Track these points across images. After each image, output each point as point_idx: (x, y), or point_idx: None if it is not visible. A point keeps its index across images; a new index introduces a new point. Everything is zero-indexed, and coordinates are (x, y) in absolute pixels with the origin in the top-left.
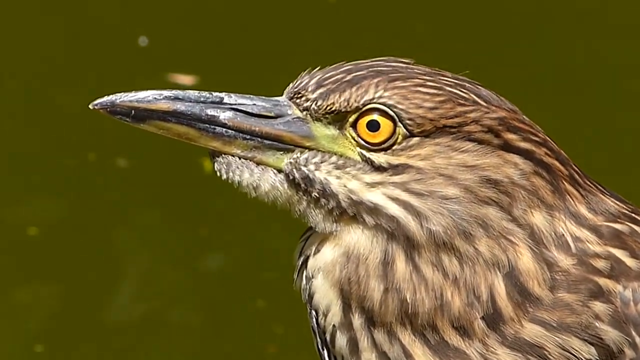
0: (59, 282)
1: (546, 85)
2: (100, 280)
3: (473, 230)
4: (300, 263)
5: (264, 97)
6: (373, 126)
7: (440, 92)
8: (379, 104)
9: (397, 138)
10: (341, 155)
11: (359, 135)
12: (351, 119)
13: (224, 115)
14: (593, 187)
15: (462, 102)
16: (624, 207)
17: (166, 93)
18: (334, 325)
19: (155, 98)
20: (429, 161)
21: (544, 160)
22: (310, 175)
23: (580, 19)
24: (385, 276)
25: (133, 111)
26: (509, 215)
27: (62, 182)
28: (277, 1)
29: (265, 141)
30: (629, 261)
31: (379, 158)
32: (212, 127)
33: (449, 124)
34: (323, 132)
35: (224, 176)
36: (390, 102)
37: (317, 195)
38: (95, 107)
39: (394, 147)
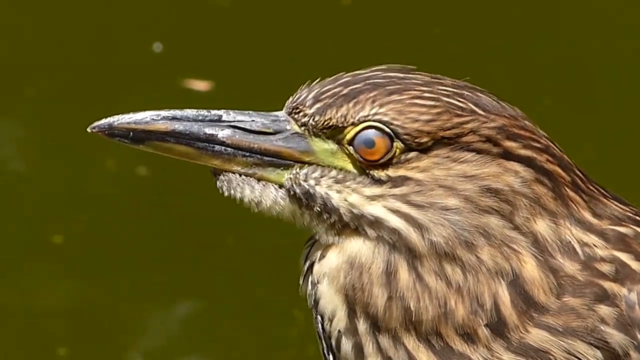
0: (83, 284)
1: (562, 82)
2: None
3: (475, 240)
4: (305, 268)
5: (262, 113)
6: (369, 144)
7: (437, 103)
8: (375, 121)
9: (395, 152)
10: (341, 169)
11: (356, 152)
12: (348, 136)
13: (223, 134)
14: (595, 191)
15: (459, 112)
16: (628, 209)
17: (164, 113)
18: (339, 331)
19: (152, 119)
20: (428, 173)
21: (545, 167)
22: (311, 190)
23: (594, 18)
24: (388, 285)
25: (131, 133)
26: (511, 223)
27: (84, 190)
28: (291, 4)
29: (265, 158)
30: (634, 264)
31: (379, 172)
32: (211, 145)
33: (447, 136)
34: (322, 146)
35: (226, 193)
36: (385, 118)
37: (319, 210)
38: (93, 130)
39: (392, 161)
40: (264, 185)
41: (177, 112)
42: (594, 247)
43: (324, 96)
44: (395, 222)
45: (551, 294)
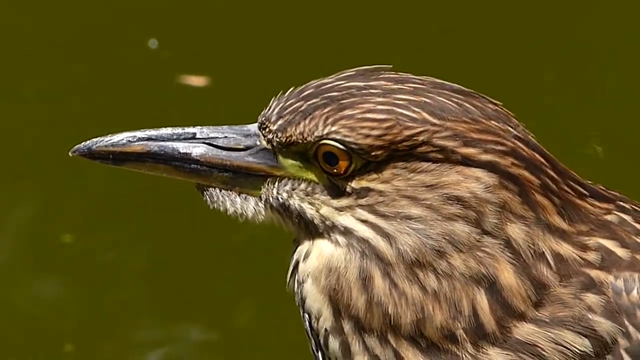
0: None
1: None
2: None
3: (442, 247)
4: (292, 266)
5: (235, 128)
6: (331, 159)
7: (389, 116)
8: (329, 139)
9: (356, 165)
10: (310, 182)
11: (321, 167)
12: (311, 152)
13: (196, 152)
14: (571, 192)
15: (410, 124)
16: (606, 205)
17: (139, 134)
18: (326, 329)
19: (129, 141)
20: (388, 184)
21: (510, 172)
22: (286, 203)
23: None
24: (365, 290)
25: (111, 155)
26: (479, 229)
27: (94, 187)
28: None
29: (239, 173)
30: (620, 251)
31: (344, 184)
32: (187, 164)
33: (400, 148)
34: (289, 161)
35: (211, 206)
36: (338, 136)
37: (297, 220)
38: (74, 153)
39: (355, 174)
40: (244, 198)
41: (152, 132)
42: (565, 254)
43: (285, 112)
44: (363, 231)
45: (529, 303)
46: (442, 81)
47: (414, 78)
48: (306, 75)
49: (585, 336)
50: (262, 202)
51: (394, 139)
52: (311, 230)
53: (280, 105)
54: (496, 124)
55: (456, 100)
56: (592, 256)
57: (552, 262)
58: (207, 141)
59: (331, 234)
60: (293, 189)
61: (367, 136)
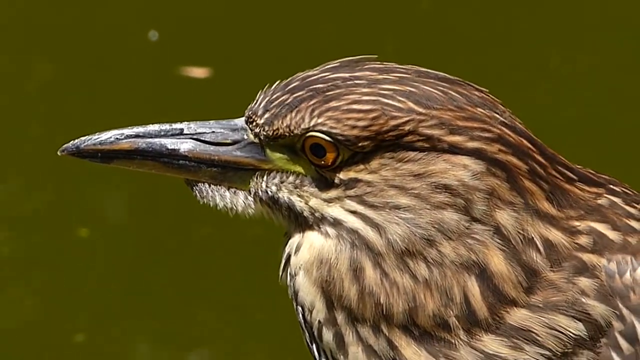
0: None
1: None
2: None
3: (432, 235)
4: (284, 260)
5: (223, 122)
6: (319, 151)
7: (374, 107)
8: (316, 131)
9: (343, 156)
10: (298, 174)
11: (309, 159)
12: (298, 144)
13: (184, 147)
14: (559, 177)
15: (395, 114)
16: (595, 188)
17: (127, 132)
18: (319, 321)
19: (117, 138)
20: (376, 174)
21: (497, 158)
22: (275, 196)
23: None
24: (357, 280)
25: (99, 153)
26: (468, 216)
27: (104, 184)
28: None
29: (228, 167)
30: (611, 234)
31: (332, 175)
32: (175, 160)
33: (387, 138)
34: (277, 154)
35: (201, 202)
36: (324, 128)
37: (287, 212)
38: (63, 153)
39: (343, 165)
40: (234, 193)
41: (140, 130)
42: (554, 239)
43: (272, 105)
44: (353, 222)
45: (520, 289)
46: (427, 70)
47: (399, 67)
48: (307, 66)
49: (580, 320)
50: (252, 195)
51: (380, 129)
52: (301, 222)
53: (267, 99)
54: (482, 111)
55: (441, 88)
56: (583, 240)
57: (541, 248)
58: (194, 137)
59: (321, 226)
60: (282, 182)
61: (354, 127)
